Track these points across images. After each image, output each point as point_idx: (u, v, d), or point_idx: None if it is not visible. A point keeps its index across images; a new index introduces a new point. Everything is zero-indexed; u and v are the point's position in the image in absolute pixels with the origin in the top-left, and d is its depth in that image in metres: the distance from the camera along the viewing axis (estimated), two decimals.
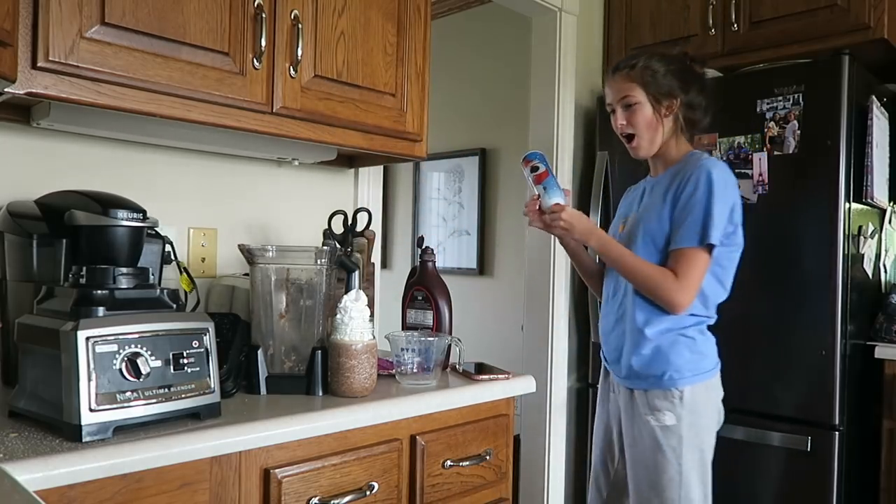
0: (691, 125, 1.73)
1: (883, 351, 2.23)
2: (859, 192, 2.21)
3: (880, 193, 2.32)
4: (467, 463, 1.47)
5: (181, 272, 1.54)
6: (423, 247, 1.76)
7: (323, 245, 1.69)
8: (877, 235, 2.39)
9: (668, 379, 1.61)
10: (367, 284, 1.71)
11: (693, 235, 1.57)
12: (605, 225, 2.37)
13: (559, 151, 2.75)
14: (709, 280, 1.63)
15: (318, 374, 1.36)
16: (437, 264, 1.74)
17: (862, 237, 2.27)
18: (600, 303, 1.86)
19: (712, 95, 1.76)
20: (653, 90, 1.68)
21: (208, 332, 1.16)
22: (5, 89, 1.13)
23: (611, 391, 1.80)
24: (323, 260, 1.42)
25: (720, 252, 1.61)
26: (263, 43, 1.40)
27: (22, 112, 1.40)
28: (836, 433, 2.11)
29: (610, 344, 1.76)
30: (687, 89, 1.70)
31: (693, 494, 1.60)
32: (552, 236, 1.96)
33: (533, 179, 1.69)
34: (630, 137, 1.72)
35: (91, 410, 0.98)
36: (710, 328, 1.70)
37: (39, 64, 1.14)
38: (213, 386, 1.14)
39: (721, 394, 1.69)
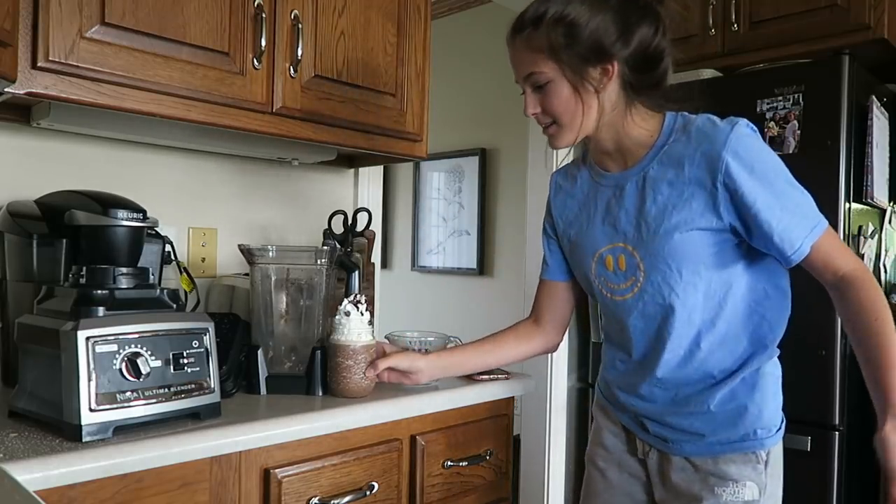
0: (651, 88, 1.16)
1: None
2: (859, 192, 2.21)
3: (880, 193, 2.32)
4: (467, 463, 1.47)
5: (181, 272, 1.54)
6: None
7: (323, 245, 1.69)
8: (877, 235, 2.39)
9: (753, 438, 1.17)
10: (367, 284, 1.71)
11: (811, 220, 1.16)
12: None
13: (559, 151, 2.74)
14: (774, 300, 1.27)
15: (317, 375, 1.36)
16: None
17: (862, 237, 2.27)
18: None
19: (669, 27, 1.16)
20: (569, 59, 1.10)
21: (208, 332, 1.16)
22: (5, 89, 1.13)
23: (630, 455, 1.27)
24: (323, 260, 1.42)
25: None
26: (263, 43, 1.40)
27: (22, 112, 1.40)
28: (836, 433, 2.10)
29: (646, 390, 1.21)
30: (629, 38, 1.10)
31: None
32: None
33: None
34: (549, 125, 1.18)
35: (91, 410, 0.98)
36: None
37: (39, 64, 1.14)
38: (213, 386, 1.14)
39: None
